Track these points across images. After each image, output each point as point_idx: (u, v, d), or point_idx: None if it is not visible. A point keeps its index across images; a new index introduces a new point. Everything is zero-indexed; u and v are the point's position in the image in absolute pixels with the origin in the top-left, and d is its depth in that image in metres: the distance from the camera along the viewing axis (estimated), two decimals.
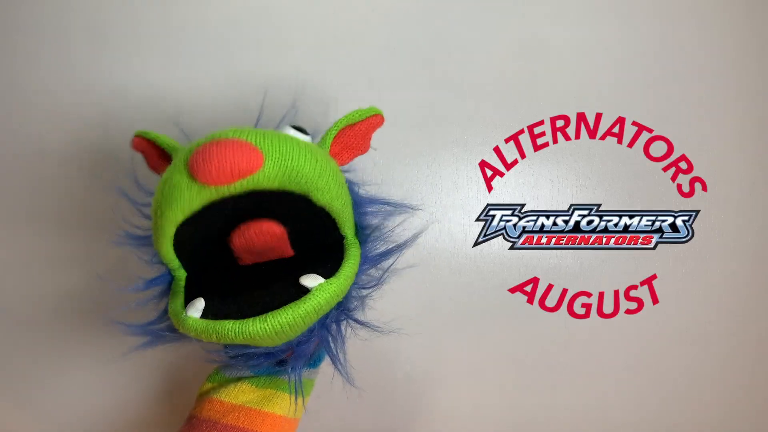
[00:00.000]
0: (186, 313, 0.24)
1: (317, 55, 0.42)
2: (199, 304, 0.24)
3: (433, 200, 0.42)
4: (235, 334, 0.22)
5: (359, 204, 0.29)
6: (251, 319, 0.22)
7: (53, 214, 0.41)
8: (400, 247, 0.29)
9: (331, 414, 0.41)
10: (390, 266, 0.29)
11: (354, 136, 0.30)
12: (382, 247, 0.29)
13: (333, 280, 0.24)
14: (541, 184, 0.43)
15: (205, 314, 0.24)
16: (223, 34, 0.42)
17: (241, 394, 0.28)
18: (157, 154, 0.30)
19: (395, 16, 0.43)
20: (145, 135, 0.30)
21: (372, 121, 0.30)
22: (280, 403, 0.28)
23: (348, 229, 0.27)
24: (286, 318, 0.22)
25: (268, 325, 0.22)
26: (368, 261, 0.28)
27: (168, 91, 0.42)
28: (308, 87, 0.41)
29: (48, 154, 0.41)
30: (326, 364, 0.30)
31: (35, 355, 0.41)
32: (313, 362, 0.30)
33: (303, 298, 0.23)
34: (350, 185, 0.29)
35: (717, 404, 0.44)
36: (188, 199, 0.22)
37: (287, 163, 0.23)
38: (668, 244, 0.43)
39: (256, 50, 0.42)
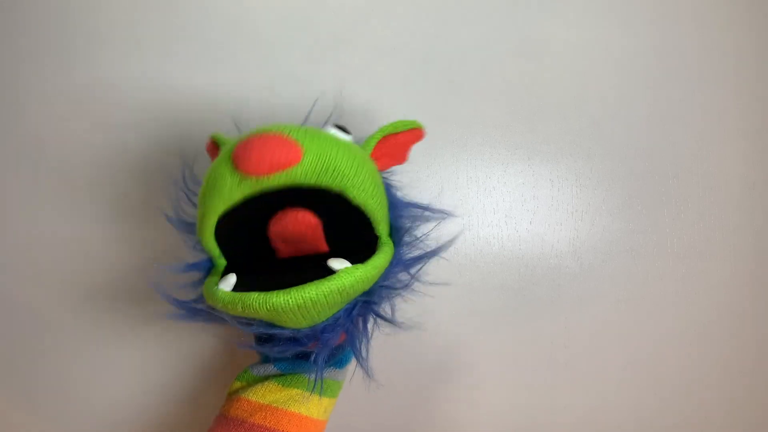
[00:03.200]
0: (218, 286, 0.25)
1: (317, 56, 0.42)
2: (231, 279, 0.25)
3: (433, 200, 0.42)
4: (259, 304, 0.23)
5: (396, 206, 0.30)
6: (275, 291, 0.23)
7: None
8: (433, 253, 0.30)
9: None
10: (419, 270, 0.29)
11: (395, 145, 0.31)
12: (415, 252, 0.30)
13: (360, 265, 0.25)
14: (541, 184, 0.43)
15: (235, 289, 0.25)
16: (223, 35, 0.42)
17: (269, 394, 0.28)
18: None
19: (395, 16, 0.43)
20: (213, 138, 0.31)
21: (415, 133, 0.31)
22: (307, 404, 0.28)
23: (382, 230, 0.28)
24: (309, 293, 0.23)
25: (291, 298, 0.23)
26: (401, 263, 0.29)
27: (168, 91, 0.42)
28: (307, 87, 0.41)
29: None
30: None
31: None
32: (339, 361, 0.30)
33: (328, 277, 0.24)
34: (387, 187, 0.30)
35: (717, 404, 0.44)
36: (230, 188, 0.24)
37: (325, 159, 0.24)
38: (668, 244, 0.43)
39: (254, 51, 0.42)
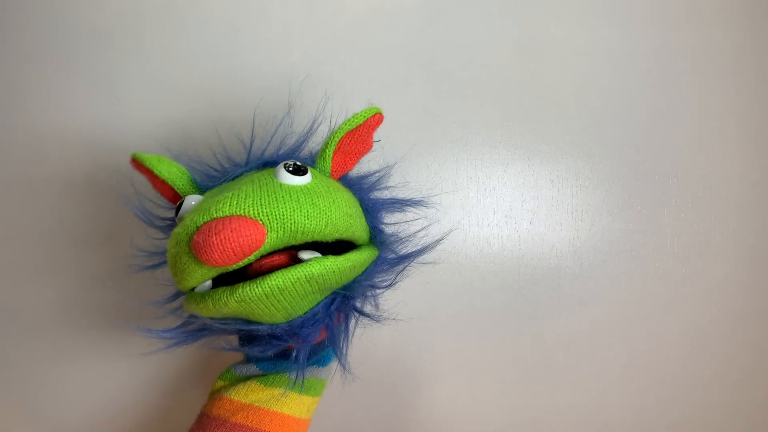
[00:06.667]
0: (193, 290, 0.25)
1: (317, 56, 0.42)
2: (207, 283, 0.25)
3: (433, 200, 0.42)
4: (227, 297, 0.23)
5: (373, 210, 0.29)
6: (242, 283, 0.23)
7: (59, 221, 0.41)
8: (418, 252, 0.29)
9: (330, 411, 0.41)
10: (404, 269, 0.29)
11: (355, 141, 0.29)
12: (401, 251, 0.29)
13: (330, 256, 0.24)
14: (541, 184, 0.43)
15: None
16: (223, 35, 0.42)
17: (251, 393, 0.28)
18: (151, 175, 0.29)
19: (395, 17, 0.43)
20: (141, 161, 0.29)
21: (371, 122, 0.29)
22: (290, 403, 0.28)
23: (362, 241, 0.28)
24: (275, 281, 0.23)
25: (257, 287, 0.22)
26: (385, 263, 0.28)
27: (169, 92, 0.42)
28: (308, 88, 0.41)
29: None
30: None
31: (40, 357, 0.41)
32: (321, 360, 0.30)
33: (296, 265, 0.23)
34: (361, 194, 0.29)
35: (717, 404, 0.44)
36: (200, 275, 0.23)
37: (290, 228, 0.23)
38: (668, 244, 0.43)
39: (255, 51, 0.42)
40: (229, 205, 0.23)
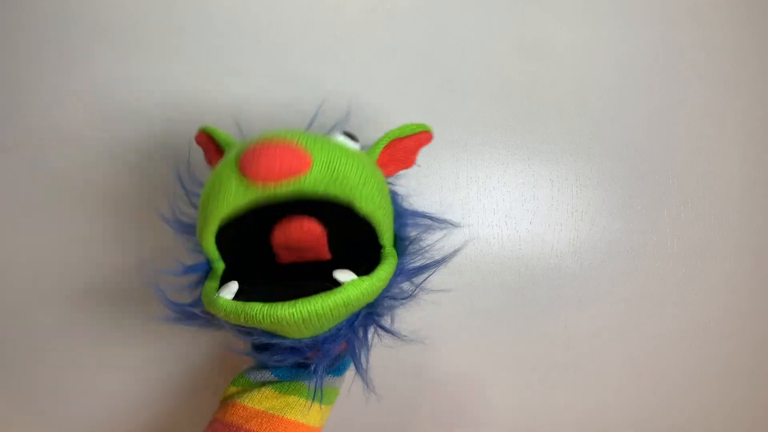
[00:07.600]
0: (218, 294, 0.24)
1: (317, 55, 0.42)
2: (233, 286, 0.25)
3: (433, 200, 0.42)
4: (263, 316, 0.22)
5: (400, 215, 0.29)
6: (280, 303, 0.23)
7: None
8: (437, 263, 0.29)
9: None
10: (424, 281, 0.29)
11: (402, 149, 0.30)
12: (418, 261, 0.29)
13: (366, 278, 0.24)
14: (541, 184, 0.43)
15: (237, 297, 0.24)
16: (224, 35, 0.42)
17: (265, 400, 0.28)
18: (214, 149, 0.31)
19: (395, 16, 0.43)
20: (205, 130, 0.31)
21: (422, 137, 0.30)
22: (304, 411, 0.28)
23: (387, 240, 0.27)
24: (314, 306, 0.22)
25: (296, 310, 0.22)
26: (403, 273, 0.28)
27: (168, 92, 0.42)
28: (307, 87, 0.41)
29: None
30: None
31: (44, 358, 0.41)
32: (337, 369, 0.30)
33: (334, 290, 0.23)
34: (393, 196, 0.29)
35: (717, 404, 0.44)
36: (235, 195, 0.23)
37: (334, 169, 0.23)
38: (668, 244, 0.43)
39: (255, 51, 0.42)
40: (285, 134, 0.23)
